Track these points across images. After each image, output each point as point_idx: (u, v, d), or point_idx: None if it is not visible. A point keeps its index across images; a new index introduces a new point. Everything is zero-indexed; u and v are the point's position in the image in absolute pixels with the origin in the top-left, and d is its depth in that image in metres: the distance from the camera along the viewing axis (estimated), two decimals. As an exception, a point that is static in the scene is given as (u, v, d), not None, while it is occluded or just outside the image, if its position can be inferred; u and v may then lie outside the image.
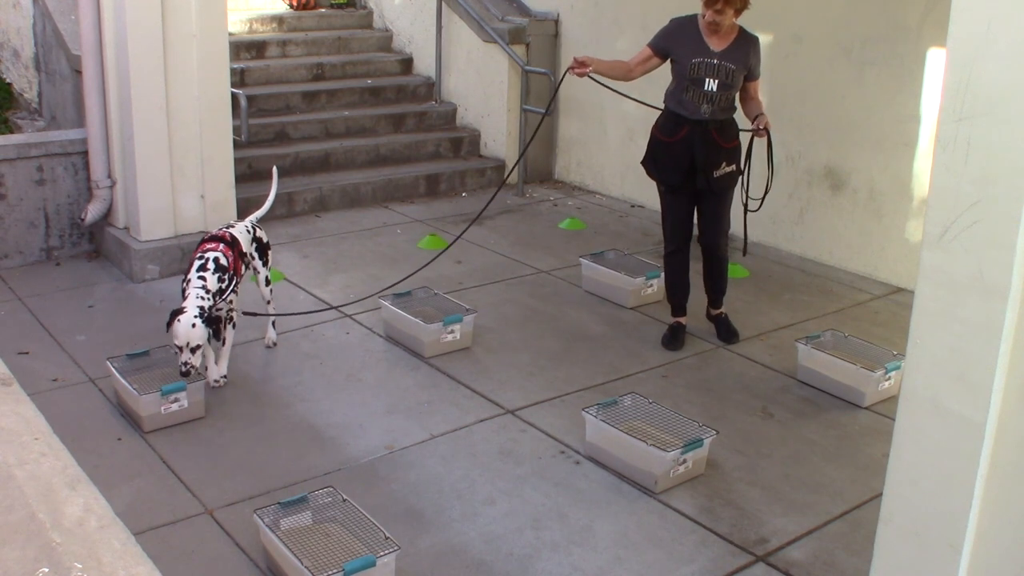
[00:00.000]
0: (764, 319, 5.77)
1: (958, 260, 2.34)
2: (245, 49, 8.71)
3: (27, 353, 4.99)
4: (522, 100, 8.09)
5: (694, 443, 4.02)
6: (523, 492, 3.93)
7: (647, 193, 7.85)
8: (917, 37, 5.99)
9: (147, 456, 4.11)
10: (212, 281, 4.45)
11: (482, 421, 4.46)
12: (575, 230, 7.31)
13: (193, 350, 4.24)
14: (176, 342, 4.24)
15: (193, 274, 4.47)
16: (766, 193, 5.15)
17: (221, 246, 4.58)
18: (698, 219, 5.22)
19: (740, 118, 5.09)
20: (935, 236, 2.38)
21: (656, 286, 5.89)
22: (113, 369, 4.45)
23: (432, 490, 3.92)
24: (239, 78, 8.09)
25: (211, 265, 4.49)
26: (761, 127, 4.90)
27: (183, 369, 4.23)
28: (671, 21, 5.03)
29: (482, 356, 5.16)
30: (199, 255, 4.54)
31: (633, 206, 7.99)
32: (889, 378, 4.76)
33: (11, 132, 7.59)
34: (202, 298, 4.36)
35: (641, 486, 3.98)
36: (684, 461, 4.01)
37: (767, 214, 7.05)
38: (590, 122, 8.34)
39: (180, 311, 4.29)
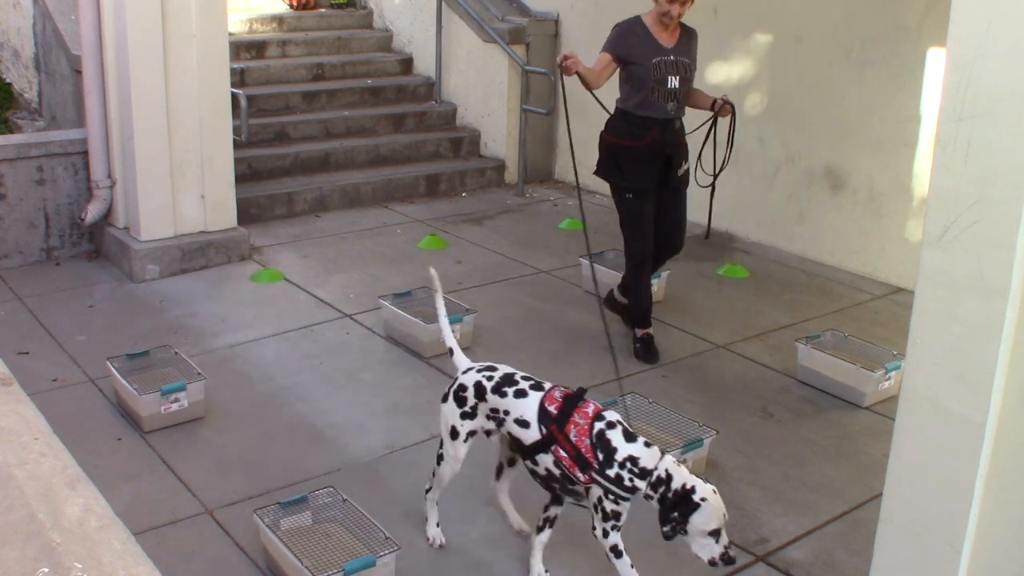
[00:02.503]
0: (764, 319, 5.77)
1: (958, 260, 2.34)
2: (245, 49, 8.71)
3: (27, 353, 4.99)
4: (522, 100, 8.09)
5: (694, 443, 4.02)
6: (523, 492, 3.93)
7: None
8: (917, 37, 5.98)
9: (147, 456, 4.11)
10: None
11: (482, 421, 4.45)
12: (575, 230, 7.30)
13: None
14: (713, 526, 3.17)
15: (634, 448, 3.25)
16: (721, 169, 5.11)
17: (592, 405, 3.51)
18: (662, 221, 5.10)
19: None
20: (935, 236, 2.38)
21: (656, 285, 5.88)
22: (113, 369, 4.45)
23: (432, 490, 3.92)
24: (239, 78, 8.09)
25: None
26: (724, 102, 4.92)
27: (731, 554, 3.17)
28: (616, 26, 4.96)
29: (482, 356, 5.14)
30: (605, 423, 3.37)
31: (633, 206, 7.99)
32: (889, 378, 4.76)
33: (11, 132, 7.59)
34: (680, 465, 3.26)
35: (641, 486, 3.98)
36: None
37: (767, 215, 7.07)
38: (590, 122, 8.31)
39: (690, 492, 3.14)
